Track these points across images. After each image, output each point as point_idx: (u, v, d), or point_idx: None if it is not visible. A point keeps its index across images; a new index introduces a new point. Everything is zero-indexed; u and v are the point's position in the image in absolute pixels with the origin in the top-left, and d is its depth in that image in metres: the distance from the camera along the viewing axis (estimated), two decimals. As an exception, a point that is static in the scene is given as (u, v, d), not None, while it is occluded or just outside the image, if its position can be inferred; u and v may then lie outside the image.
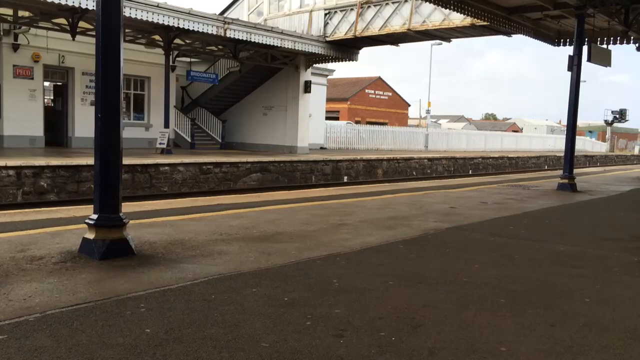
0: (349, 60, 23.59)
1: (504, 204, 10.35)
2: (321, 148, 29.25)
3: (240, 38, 19.67)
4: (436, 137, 38.83)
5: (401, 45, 23.25)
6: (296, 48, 21.42)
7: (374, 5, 20.72)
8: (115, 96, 5.05)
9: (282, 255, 5.35)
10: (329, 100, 35.12)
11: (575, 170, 15.06)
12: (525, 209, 9.76)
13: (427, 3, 16.46)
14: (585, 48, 13.87)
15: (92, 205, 5.13)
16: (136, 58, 21.31)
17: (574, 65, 13.62)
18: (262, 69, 24.64)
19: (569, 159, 14.12)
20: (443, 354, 3.11)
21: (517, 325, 3.63)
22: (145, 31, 19.41)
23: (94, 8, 8.05)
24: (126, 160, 12.37)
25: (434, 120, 58.28)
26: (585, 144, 57.38)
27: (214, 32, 18.74)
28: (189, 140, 24.07)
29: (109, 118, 5.03)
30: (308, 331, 3.38)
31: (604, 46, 15.92)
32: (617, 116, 59.99)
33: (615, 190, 14.31)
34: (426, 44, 37.00)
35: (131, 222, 5.30)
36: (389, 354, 3.09)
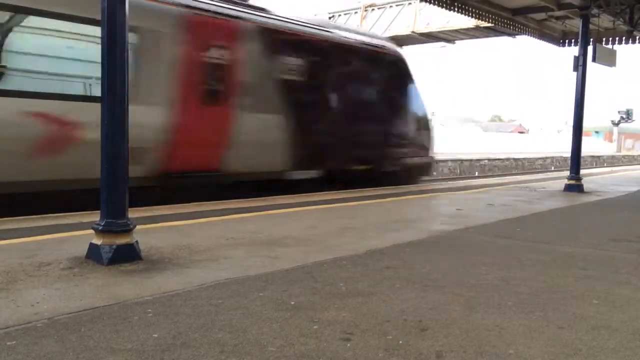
0: (353, 63, 23.57)
1: (510, 205, 10.32)
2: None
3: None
4: (441, 139, 38.72)
5: (405, 47, 23.22)
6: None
7: (378, 8, 20.80)
8: (122, 101, 5.08)
9: (289, 259, 5.35)
10: (333, 103, 35.07)
11: (582, 171, 14.98)
12: (532, 210, 9.72)
13: (431, 5, 16.46)
14: (590, 48, 13.85)
15: (99, 211, 5.16)
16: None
17: (579, 65, 13.60)
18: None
19: (575, 160, 14.05)
20: (450, 357, 3.10)
21: (525, 328, 3.61)
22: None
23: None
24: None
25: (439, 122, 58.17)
26: (590, 145, 57.12)
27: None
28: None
29: (116, 122, 5.06)
30: (315, 335, 3.38)
31: (609, 46, 15.87)
32: (624, 116, 59.57)
33: (623, 191, 14.23)
34: (431, 46, 37.00)
35: (138, 226, 5.32)
36: (396, 357, 3.08)
